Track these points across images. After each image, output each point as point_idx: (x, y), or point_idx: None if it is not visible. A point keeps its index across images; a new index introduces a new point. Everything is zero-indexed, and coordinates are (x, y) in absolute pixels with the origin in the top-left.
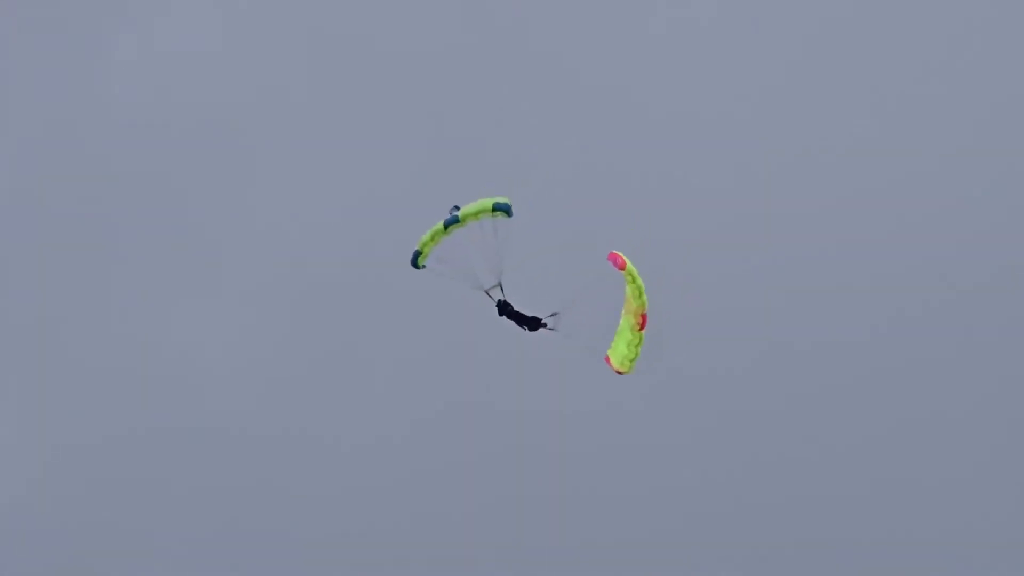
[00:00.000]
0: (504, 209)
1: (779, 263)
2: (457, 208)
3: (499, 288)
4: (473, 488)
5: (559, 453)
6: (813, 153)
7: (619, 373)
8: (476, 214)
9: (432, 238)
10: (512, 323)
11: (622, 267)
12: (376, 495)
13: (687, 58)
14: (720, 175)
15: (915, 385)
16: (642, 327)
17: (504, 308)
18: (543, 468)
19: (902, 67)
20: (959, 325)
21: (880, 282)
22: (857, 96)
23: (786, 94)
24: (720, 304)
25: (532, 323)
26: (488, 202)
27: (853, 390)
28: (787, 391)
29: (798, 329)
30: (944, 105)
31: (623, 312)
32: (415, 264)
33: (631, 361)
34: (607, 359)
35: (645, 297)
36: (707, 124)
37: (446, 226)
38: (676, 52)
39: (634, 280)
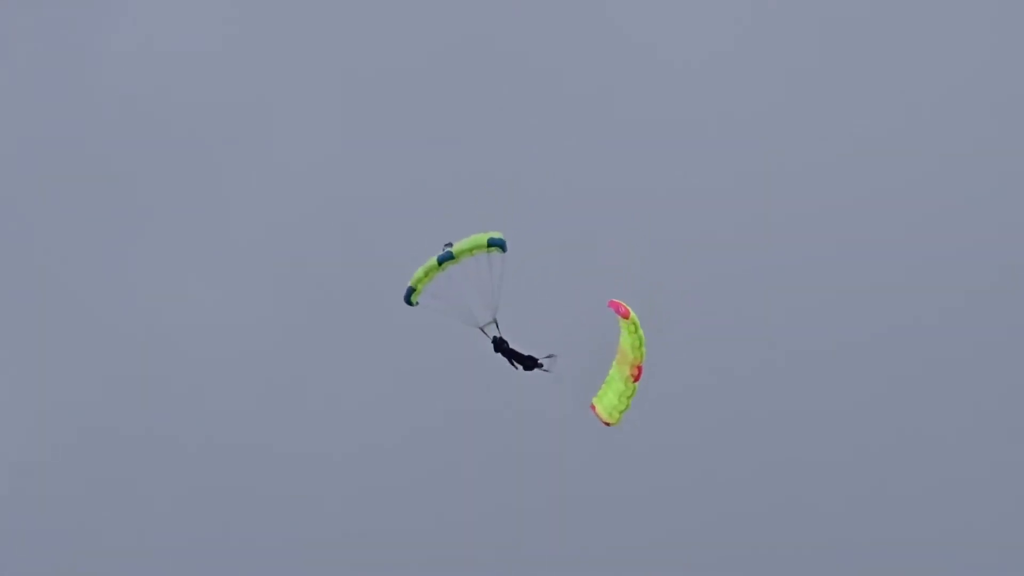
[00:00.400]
0: (499, 244)
1: (786, 266)
2: (450, 244)
3: (494, 325)
4: (471, 490)
5: (552, 457)
6: (818, 155)
7: (606, 424)
8: (470, 250)
9: (426, 274)
10: (507, 361)
11: (625, 316)
12: (371, 497)
13: (684, 66)
14: (722, 181)
15: (921, 388)
16: (636, 379)
17: (499, 345)
18: (539, 473)
19: (910, 68)
20: (965, 328)
21: (884, 283)
22: (866, 97)
23: (790, 97)
24: (723, 309)
25: (528, 362)
26: (482, 237)
27: (858, 391)
28: (790, 394)
29: (803, 332)
30: (954, 107)
31: (615, 361)
32: (408, 301)
33: (620, 413)
34: (593, 407)
35: (644, 349)
36: (706, 131)
37: (440, 262)
38: (671, 61)
39: (636, 330)
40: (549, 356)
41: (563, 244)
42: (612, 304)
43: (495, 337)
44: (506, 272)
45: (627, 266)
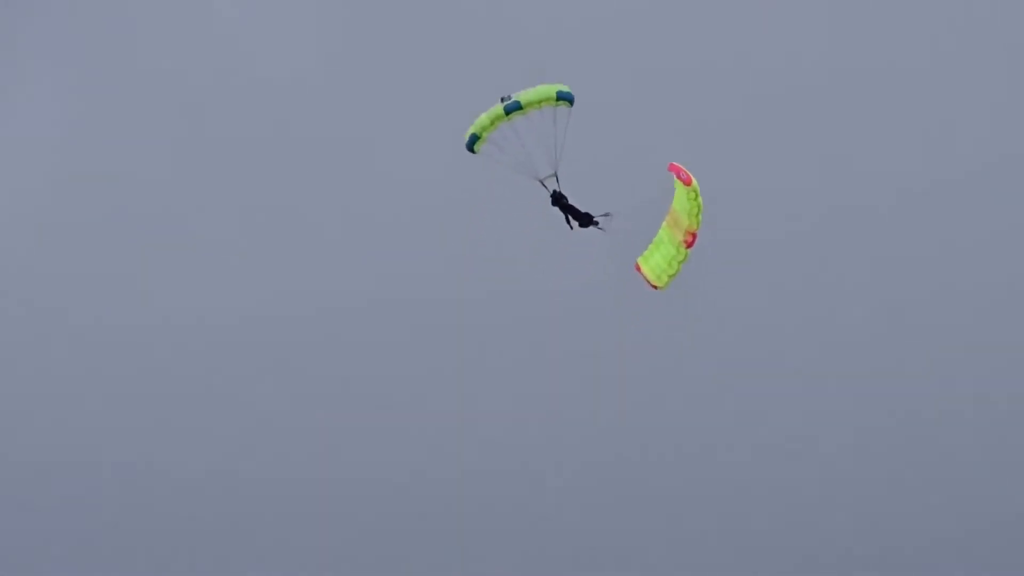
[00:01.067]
0: (567, 98)
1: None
2: (508, 97)
3: (555, 178)
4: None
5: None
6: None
7: (653, 287)
8: (538, 102)
9: (491, 122)
10: (563, 216)
11: (687, 182)
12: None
13: None
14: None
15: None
16: (690, 245)
17: (558, 199)
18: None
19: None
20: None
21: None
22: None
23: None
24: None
25: (584, 219)
26: (551, 89)
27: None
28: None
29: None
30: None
31: (665, 224)
32: (471, 148)
33: (669, 277)
34: (638, 267)
35: (701, 216)
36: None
37: (507, 111)
38: None
39: (696, 197)
40: (605, 215)
41: (625, 103)
42: (673, 168)
43: (555, 191)
44: (570, 126)
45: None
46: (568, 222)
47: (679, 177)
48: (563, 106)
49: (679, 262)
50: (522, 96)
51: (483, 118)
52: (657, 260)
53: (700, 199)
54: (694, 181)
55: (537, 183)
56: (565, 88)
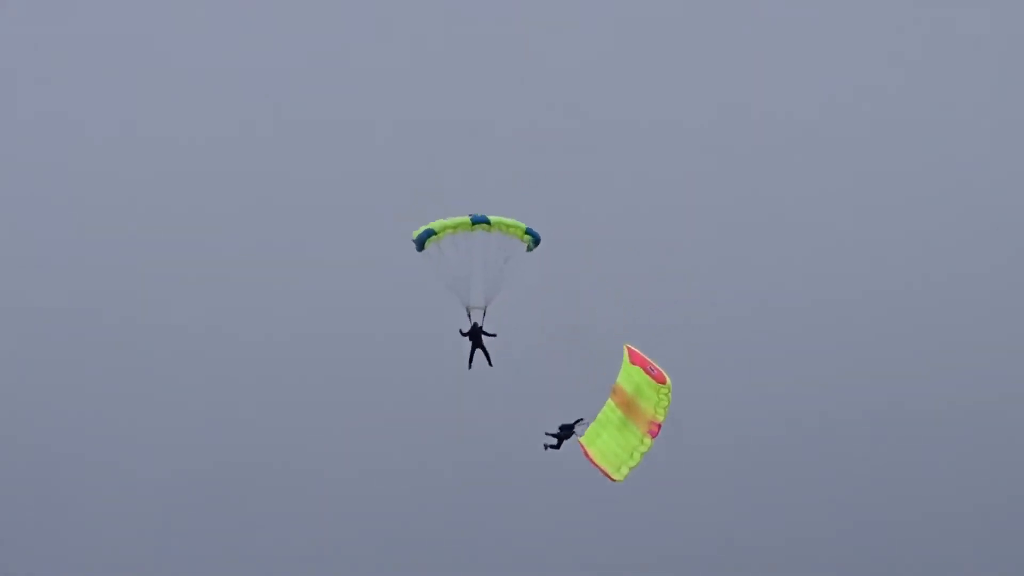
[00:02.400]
0: (534, 237)
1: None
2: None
3: (482, 313)
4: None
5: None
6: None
7: (612, 481)
8: (507, 227)
9: (454, 227)
10: (470, 348)
11: (661, 380)
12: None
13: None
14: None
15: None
16: (655, 435)
17: (476, 334)
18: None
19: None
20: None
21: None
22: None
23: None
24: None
25: (565, 433)
26: (521, 224)
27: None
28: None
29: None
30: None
31: (612, 402)
32: (421, 243)
33: (630, 468)
34: (584, 450)
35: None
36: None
37: (474, 222)
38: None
39: (668, 393)
40: (578, 421)
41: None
42: (638, 359)
43: (477, 325)
44: (521, 268)
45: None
46: (471, 359)
47: (648, 372)
48: (527, 243)
49: (641, 453)
50: (493, 218)
51: (446, 221)
52: (612, 447)
53: (670, 396)
54: (668, 380)
55: (463, 308)
56: (534, 237)
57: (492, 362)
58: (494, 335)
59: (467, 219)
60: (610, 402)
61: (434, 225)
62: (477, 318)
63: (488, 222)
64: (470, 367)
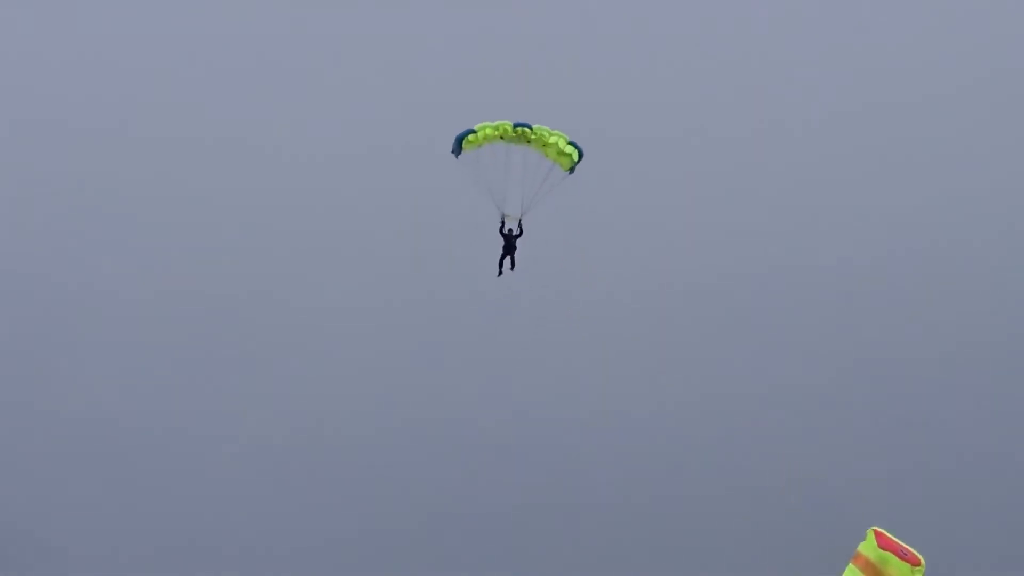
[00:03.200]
0: (578, 151)
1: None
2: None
3: (517, 221)
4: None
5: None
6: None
7: None
8: (548, 144)
9: (496, 130)
10: (501, 252)
11: (916, 563)
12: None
13: None
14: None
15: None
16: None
17: (509, 240)
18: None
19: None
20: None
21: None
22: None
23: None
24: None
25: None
26: (564, 136)
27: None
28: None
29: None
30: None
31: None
32: (457, 145)
33: None
34: None
35: None
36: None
37: (516, 127)
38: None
39: (922, 571)
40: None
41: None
42: (892, 546)
43: (511, 230)
44: (559, 186)
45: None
46: (500, 263)
47: (901, 556)
48: (565, 164)
49: None
50: (536, 127)
51: (487, 124)
52: None
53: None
54: (922, 560)
55: (498, 212)
56: (578, 151)
57: (515, 266)
58: (520, 235)
59: (509, 125)
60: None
61: (476, 128)
62: (512, 225)
63: (531, 127)
64: (500, 273)
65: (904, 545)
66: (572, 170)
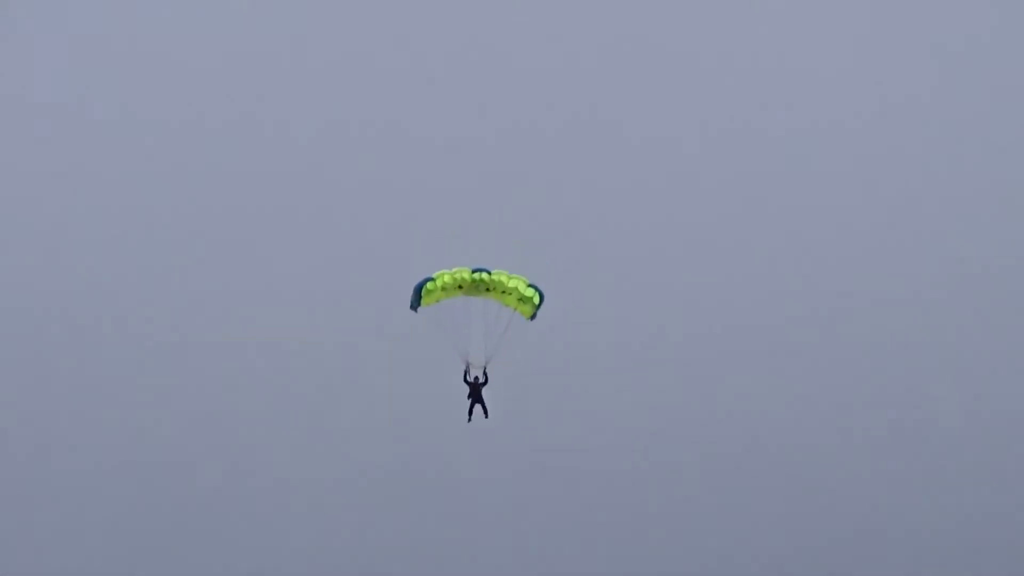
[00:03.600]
0: (539, 295)
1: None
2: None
3: (482, 370)
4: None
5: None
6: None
7: None
8: (507, 291)
9: (454, 279)
10: (469, 403)
11: None
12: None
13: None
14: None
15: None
16: None
17: (476, 390)
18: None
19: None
20: None
21: None
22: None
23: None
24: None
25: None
26: (523, 280)
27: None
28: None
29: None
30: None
31: None
32: (416, 298)
33: None
34: None
35: None
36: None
37: (474, 272)
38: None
39: None
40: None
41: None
42: None
43: (476, 378)
44: (522, 335)
45: None
46: (470, 413)
47: None
48: (526, 312)
49: None
50: (495, 273)
51: (444, 273)
52: None
53: None
54: None
55: (462, 360)
56: (538, 294)
57: (488, 415)
58: (485, 383)
59: (467, 271)
60: None
61: (434, 276)
62: (477, 372)
63: (489, 272)
64: (469, 420)
65: None
66: (534, 316)
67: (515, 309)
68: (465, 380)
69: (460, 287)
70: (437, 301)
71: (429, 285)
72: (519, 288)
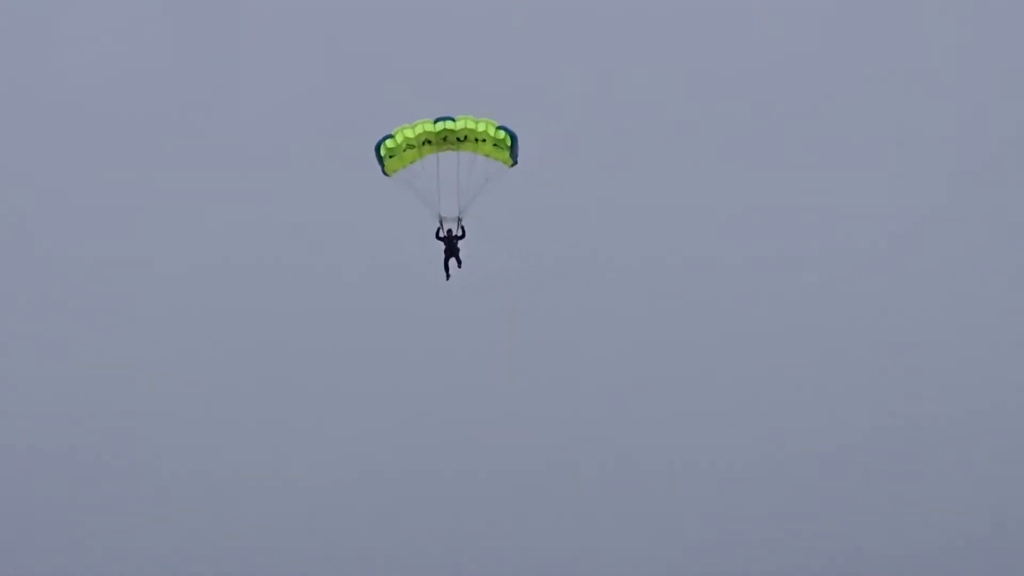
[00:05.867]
0: (511, 136)
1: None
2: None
3: (456, 221)
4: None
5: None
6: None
7: None
8: (479, 140)
9: (414, 132)
10: (444, 257)
11: None
12: None
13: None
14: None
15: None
16: None
17: (450, 243)
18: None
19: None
20: None
21: None
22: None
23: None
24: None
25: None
26: (493, 123)
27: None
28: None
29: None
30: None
31: None
32: (379, 159)
33: None
34: None
35: None
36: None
37: (436, 122)
38: None
39: None
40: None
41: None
42: None
43: (449, 232)
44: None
45: None
46: (446, 267)
47: None
48: (505, 159)
49: None
50: (460, 121)
51: (404, 127)
52: None
53: None
54: None
55: (435, 217)
56: (509, 136)
57: (461, 263)
58: (463, 236)
59: (429, 122)
60: None
61: (393, 132)
62: (451, 225)
63: (454, 119)
64: (447, 277)
65: None
66: (515, 162)
67: (494, 157)
68: (438, 236)
69: (428, 142)
70: (408, 164)
71: (388, 143)
72: (489, 131)
